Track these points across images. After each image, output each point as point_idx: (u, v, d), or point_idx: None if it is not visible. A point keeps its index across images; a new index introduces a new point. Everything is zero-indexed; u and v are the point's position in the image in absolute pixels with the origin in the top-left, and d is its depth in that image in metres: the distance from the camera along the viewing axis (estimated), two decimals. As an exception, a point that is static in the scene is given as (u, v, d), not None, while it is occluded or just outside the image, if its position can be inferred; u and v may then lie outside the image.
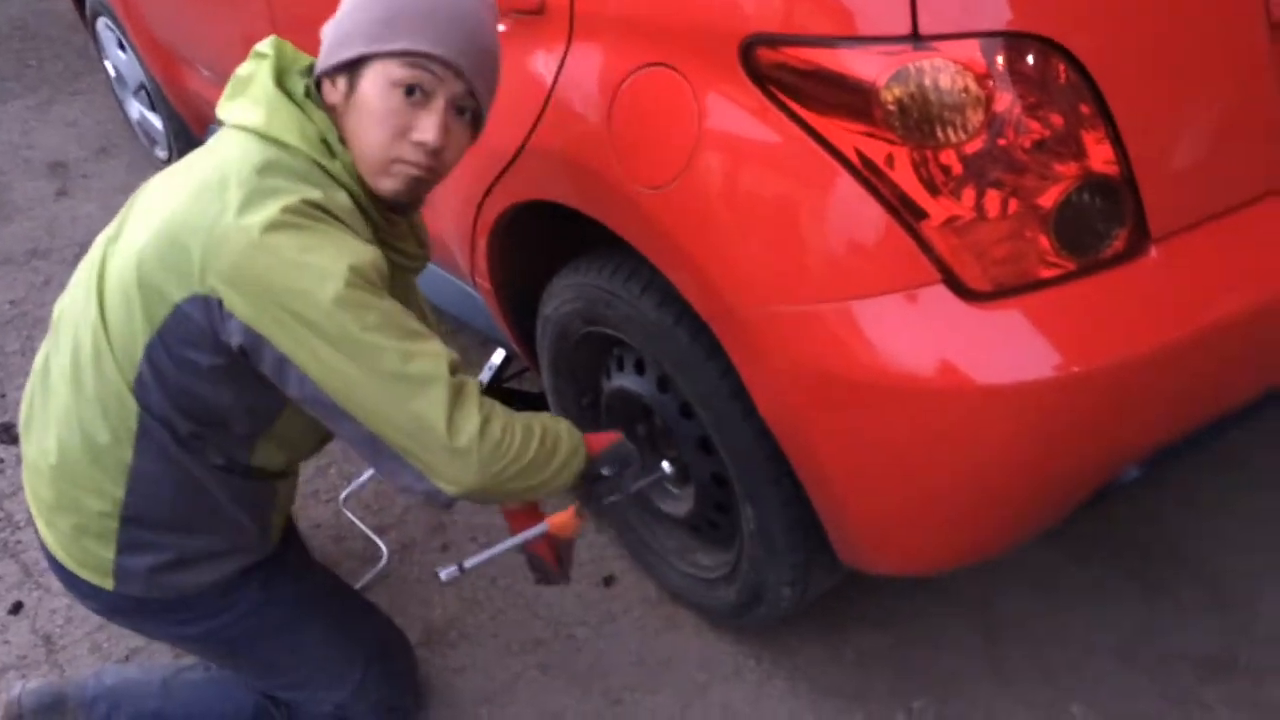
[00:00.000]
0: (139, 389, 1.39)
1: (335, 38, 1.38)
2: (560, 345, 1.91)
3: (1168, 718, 1.71)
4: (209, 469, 1.48)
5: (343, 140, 1.39)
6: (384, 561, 2.20)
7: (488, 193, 1.79)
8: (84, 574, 1.53)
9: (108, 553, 1.50)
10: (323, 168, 1.36)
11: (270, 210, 1.27)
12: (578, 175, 1.57)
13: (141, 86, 3.71)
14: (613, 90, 1.48)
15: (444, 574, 1.56)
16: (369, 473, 2.33)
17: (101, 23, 3.79)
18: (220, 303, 1.28)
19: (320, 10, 1.44)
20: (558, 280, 1.83)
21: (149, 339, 1.35)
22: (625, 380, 1.82)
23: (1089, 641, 1.85)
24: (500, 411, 1.40)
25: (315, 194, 1.32)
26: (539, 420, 1.47)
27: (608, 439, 1.61)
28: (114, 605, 1.58)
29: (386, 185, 1.40)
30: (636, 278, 1.63)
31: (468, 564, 1.57)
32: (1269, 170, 1.38)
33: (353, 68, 1.37)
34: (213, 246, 1.26)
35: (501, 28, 1.50)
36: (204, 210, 1.28)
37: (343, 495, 2.36)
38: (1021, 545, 1.53)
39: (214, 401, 1.40)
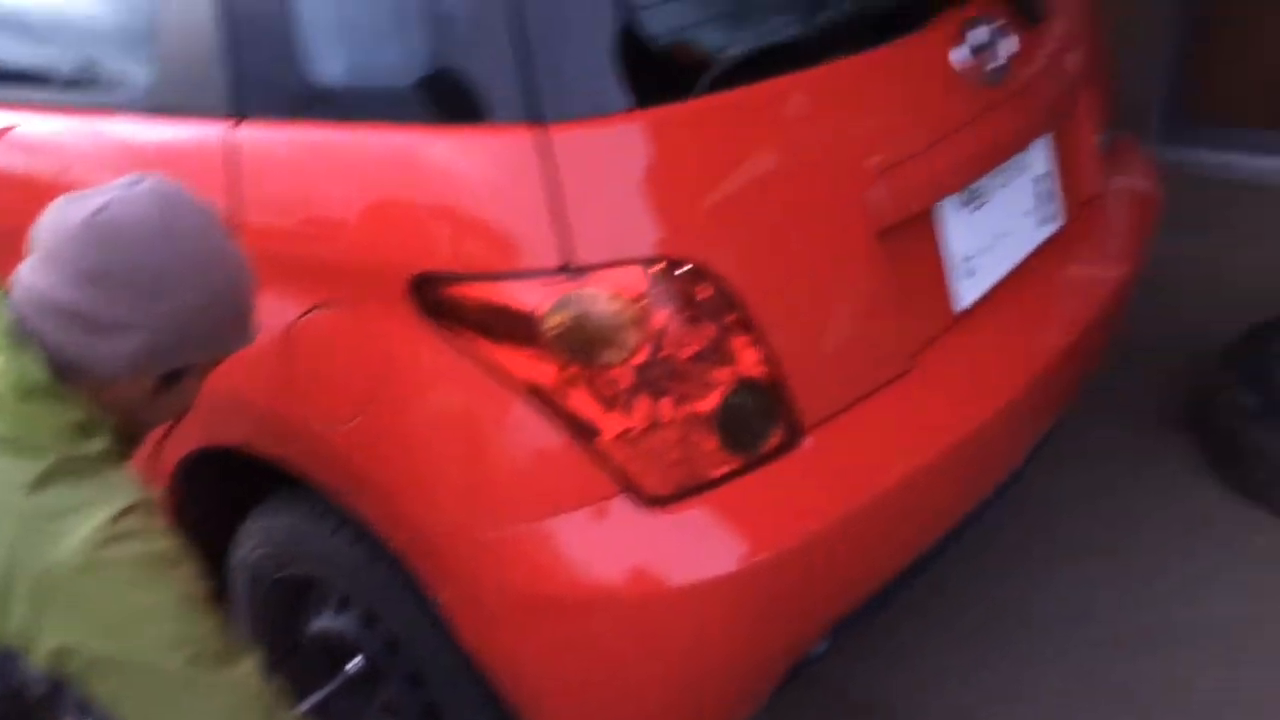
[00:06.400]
0: None
1: (148, 346, 1.19)
2: (254, 591, 1.82)
3: None
4: None
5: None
6: None
7: (163, 439, 1.72)
8: None
9: None
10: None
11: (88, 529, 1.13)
12: (259, 418, 1.54)
13: None
14: (288, 330, 1.49)
15: None
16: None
17: None
18: None
19: None
20: (247, 524, 1.76)
21: None
22: (327, 621, 1.75)
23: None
24: None
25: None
26: None
27: None
28: None
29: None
30: (329, 516, 1.60)
31: None
32: (899, 350, 1.56)
33: (180, 372, 1.27)
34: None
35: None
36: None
37: None
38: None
39: None
